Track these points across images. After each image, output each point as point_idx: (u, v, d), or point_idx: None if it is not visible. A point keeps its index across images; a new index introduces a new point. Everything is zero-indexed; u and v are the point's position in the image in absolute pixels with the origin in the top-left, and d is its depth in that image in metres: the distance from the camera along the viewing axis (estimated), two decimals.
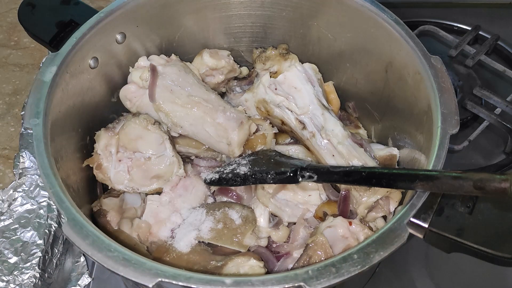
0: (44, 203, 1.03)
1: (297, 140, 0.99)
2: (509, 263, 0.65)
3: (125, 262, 0.63)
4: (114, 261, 0.64)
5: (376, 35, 0.92)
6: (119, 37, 0.95)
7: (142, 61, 0.99)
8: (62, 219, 1.02)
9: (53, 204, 1.02)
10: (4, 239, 0.98)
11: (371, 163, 0.89)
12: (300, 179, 0.80)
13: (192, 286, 0.61)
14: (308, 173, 0.79)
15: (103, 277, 1.00)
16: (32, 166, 1.09)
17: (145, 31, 0.99)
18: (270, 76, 1.01)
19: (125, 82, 0.99)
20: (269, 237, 0.90)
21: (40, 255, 0.96)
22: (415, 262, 1.01)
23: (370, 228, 0.86)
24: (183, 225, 0.89)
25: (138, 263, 0.63)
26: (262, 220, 0.90)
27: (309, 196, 0.91)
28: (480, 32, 1.32)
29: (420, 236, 0.67)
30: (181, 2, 0.99)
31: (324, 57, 1.05)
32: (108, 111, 1.00)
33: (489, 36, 1.31)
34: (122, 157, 0.92)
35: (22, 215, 1.01)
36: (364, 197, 0.87)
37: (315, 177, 0.79)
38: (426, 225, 0.66)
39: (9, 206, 1.03)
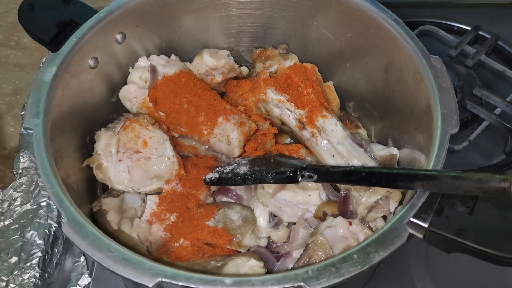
0: (44, 203, 1.03)
1: (297, 140, 0.99)
2: (509, 263, 0.65)
3: (125, 262, 0.63)
4: (114, 261, 0.64)
5: (376, 35, 0.92)
6: (119, 37, 0.95)
7: (142, 61, 0.99)
8: (62, 219, 1.02)
9: (53, 204, 1.02)
10: (4, 239, 0.98)
11: (370, 163, 0.89)
12: (300, 179, 0.81)
13: (192, 286, 0.61)
14: (308, 173, 0.79)
15: (103, 277, 1.00)
16: (32, 166, 1.09)
17: (145, 31, 0.99)
18: (270, 76, 1.01)
19: (125, 82, 0.99)
20: (269, 237, 0.90)
21: (40, 255, 0.96)
22: (415, 262, 1.01)
23: (370, 228, 0.86)
24: None
25: (138, 263, 0.63)
26: (262, 220, 0.90)
27: (309, 196, 0.91)
28: (480, 32, 1.32)
29: (420, 236, 0.67)
30: (181, 2, 0.99)
31: (324, 57, 1.05)
32: (108, 111, 1.00)
33: (489, 36, 1.31)
34: (122, 157, 0.92)
35: (22, 215, 1.01)
36: (364, 197, 0.87)
37: (315, 177, 0.80)
38: (426, 225, 0.66)
39: (9, 206, 1.03)
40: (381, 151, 0.94)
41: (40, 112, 0.78)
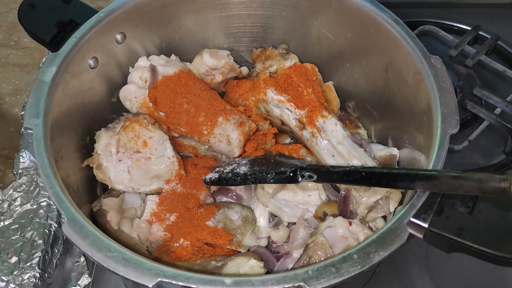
0: (44, 203, 1.03)
1: (297, 140, 0.99)
2: (509, 263, 0.65)
3: (125, 262, 0.63)
4: (114, 261, 0.64)
5: (376, 35, 0.92)
6: (119, 37, 0.95)
7: (142, 61, 0.99)
8: (62, 219, 1.02)
9: (53, 204, 1.02)
10: (4, 239, 0.98)
11: (370, 163, 0.89)
12: (300, 179, 0.81)
13: (192, 286, 0.61)
14: (308, 173, 0.79)
15: (103, 277, 1.00)
16: (32, 166, 1.09)
17: (145, 31, 0.99)
18: (270, 76, 1.01)
19: (125, 82, 0.99)
20: (269, 237, 0.90)
21: (40, 255, 0.96)
22: (415, 262, 1.01)
23: (370, 228, 0.86)
24: None
25: (138, 263, 0.63)
26: (262, 220, 0.90)
27: (309, 196, 0.91)
28: (480, 32, 1.32)
29: (420, 236, 0.67)
30: (181, 2, 0.99)
31: (324, 57, 1.06)
32: (108, 111, 1.00)
33: (489, 36, 1.31)
34: (122, 157, 0.92)
35: (22, 215, 1.01)
36: (364, 197, 0.87)
37: (315, 177, 0.80)
38: (426, 225, 0.66)
39: (9, 206, 1.03)
40: (381, 151, 0.94)
41: (40, 112, 0.78)
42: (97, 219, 0.89)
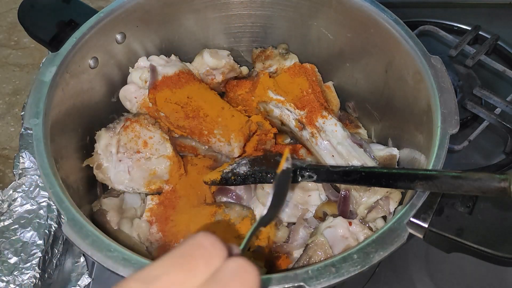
0: (44, 203, 1.03)
1: (297, 140, 0.99)
2: (509, 263, 0.65)
3: (125, 262, 0.63)
4: (114, 261, 0.64)
5: (376, 35, 0.92)
6: (119, 37, 0.95)
7: (142, 62, 0.99)
8: (62, 219, 1.02)
9: (53, 204, 1.02)
10: (4, 239, 0.98)
11: (370, 163, 0.89)
12: (299, 179, 0.81)
13: None
14: (307, 173, 0.79)
15: (103, 277, 1.00)
16: (32, 166, 1.09)
17: (145, 31, 0.99)
18: (270, 76, 1.01)
19: (125, 82, 0.99)
20: (268, 237, 0.90)
21: (40, 255, 0.96)
22: (415, 262, 1.01)
23: (370, 228, 0.86)
24: None
25: (138, 263, 0.63)
26: None
27: (309, 196, 0.91)
28: (480, 32, 1.32)
29: (420, 236, 0.67)
30: (181, 2, 0.99)
31: (324, 57, 1.05)
32: (108, 111, 1.00)
33: (489, 36, 1.31)
34: (122, 157, 0.92)
35: (22, 215, 1.01)
36: (364, 198, 0.87)
37: (315, 176, 0.80)
38: (426, 225, 0.66)
39: (9, 206, 1.03)
40: (381, 151, 0.94)
41: (40, 112, 0.78)
42: (97, 219, 0.88)
